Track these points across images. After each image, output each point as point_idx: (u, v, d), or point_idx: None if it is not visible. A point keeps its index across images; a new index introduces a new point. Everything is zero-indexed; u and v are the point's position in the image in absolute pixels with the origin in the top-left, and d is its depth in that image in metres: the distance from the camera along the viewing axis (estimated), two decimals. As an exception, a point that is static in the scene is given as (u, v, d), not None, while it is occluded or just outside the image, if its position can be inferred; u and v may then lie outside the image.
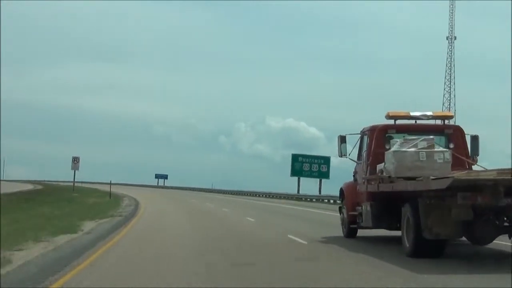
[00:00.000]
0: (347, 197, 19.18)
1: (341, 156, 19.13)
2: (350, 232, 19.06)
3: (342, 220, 19.53)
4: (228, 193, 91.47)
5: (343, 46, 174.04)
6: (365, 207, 17.40)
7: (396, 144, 16.21)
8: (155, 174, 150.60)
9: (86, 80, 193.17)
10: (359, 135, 18.99)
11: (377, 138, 17.83)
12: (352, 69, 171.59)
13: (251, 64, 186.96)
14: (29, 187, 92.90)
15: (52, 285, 10.37)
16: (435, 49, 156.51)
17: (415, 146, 15.98)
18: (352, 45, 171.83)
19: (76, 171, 57.07)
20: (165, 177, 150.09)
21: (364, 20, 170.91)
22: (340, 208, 20.06)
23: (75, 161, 57.13)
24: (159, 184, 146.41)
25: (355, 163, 19.23)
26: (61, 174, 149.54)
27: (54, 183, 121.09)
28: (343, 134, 19.00)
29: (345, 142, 19.01)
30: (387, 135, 17.98)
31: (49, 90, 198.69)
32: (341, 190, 19.86)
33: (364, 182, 17.79)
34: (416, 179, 14.85)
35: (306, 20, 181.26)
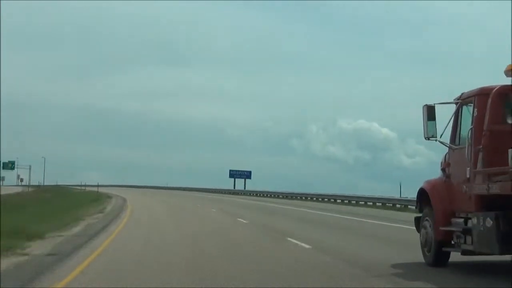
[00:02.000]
0: (436, 202, 12.23)
1: (428, 137, 12.15)
2: (439, 258, 12.13)
3: (425, 239, 12.56)
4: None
5: (417, 43, 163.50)
6: (480, 220, 10.50)
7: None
8: (229, 171, 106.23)
9: (158, 84, 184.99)
10: (455, 105, 12.13)
11: (494, 107, 10.98)
12: (428, 66, 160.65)
13: (321, 65, 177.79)
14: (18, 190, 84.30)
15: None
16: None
17: None
18: (427, 42, 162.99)
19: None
20: (246, 175, 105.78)
21: (443, 16, 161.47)
22: (418, 220, 13.10)
23: None
24: (236, 188, 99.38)
25: (447, 150, 12.37)
26: (133, 178, 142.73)
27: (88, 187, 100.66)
28: (430, 103, 12.04)
29: (434, 117, 12.06)
30: (508, 102, 11.14)
31: (121, 95, 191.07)
32: (422, 192, 12.88)
33: (472, 179, 10.94)
34: None
35: (375, 20, 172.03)
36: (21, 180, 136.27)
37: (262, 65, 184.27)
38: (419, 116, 12.17)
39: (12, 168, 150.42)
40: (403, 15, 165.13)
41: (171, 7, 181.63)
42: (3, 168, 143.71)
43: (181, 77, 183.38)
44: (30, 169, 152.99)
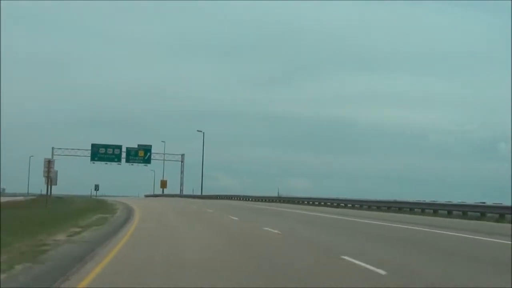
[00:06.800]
0: None
1: None
2: None
3: None
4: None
5: None
6: None
7: None
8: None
9: (359, 91, 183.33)
10: None
11: None
12: None
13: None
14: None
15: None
16: None
17: None
18: None
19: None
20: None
21: None
22: None
23: None
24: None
25: None
26: (332, 187, 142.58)
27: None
28: None
29: None
30: None
31: (323, 102, 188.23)
32: None
33: None
34: None
35: None
36: (164, 184, 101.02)
37: (462, 67, 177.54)
38: None
39: (148, 161, 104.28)
40: None
41: (359, 12, 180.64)
42: (127, 161, 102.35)
43: (378, 82, 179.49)
44: (182, 161, 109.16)
